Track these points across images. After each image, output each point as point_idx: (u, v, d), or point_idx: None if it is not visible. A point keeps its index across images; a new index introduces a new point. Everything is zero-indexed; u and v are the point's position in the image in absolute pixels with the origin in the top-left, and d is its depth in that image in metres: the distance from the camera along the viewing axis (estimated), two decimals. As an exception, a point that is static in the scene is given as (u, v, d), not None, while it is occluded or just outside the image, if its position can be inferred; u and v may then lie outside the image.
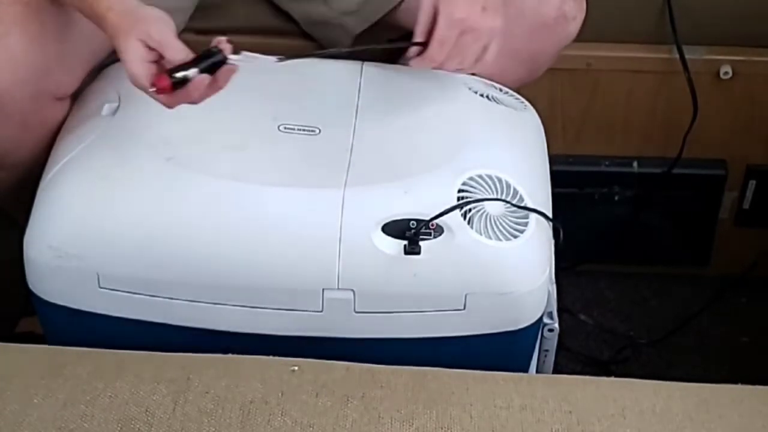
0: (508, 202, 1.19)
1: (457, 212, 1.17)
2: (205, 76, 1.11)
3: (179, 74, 1.10)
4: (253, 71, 1.18)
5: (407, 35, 1.52)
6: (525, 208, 1.19)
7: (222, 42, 1.13)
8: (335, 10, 1.48)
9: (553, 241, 1.25)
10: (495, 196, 1.20)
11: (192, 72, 1.10)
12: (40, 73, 1.24)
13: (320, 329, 1.19)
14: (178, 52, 1.11)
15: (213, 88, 1.13)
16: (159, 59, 1.12)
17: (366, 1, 1.46)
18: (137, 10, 1.13)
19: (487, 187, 1.20)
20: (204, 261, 1.17)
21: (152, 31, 1.11)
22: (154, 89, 1.10)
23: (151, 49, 1.11)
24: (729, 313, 1.76)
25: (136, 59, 1.10)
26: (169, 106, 1.14)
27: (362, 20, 1.48)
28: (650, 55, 1.64)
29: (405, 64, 1.50)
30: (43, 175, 1.24)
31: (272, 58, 1.17)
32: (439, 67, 1.24)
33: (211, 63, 1.11)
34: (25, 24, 1.21)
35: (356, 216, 1.17)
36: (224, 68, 1.12)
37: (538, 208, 1.21)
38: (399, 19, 1.49)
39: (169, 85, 1.10)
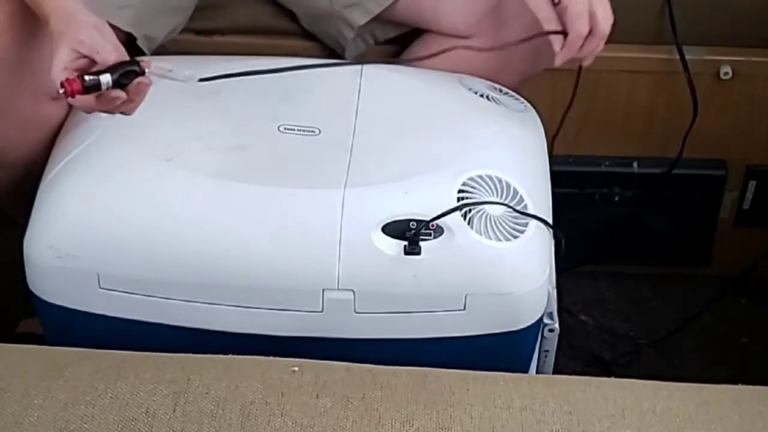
0: (508, 206, 1.19)
1: (457, 213, 1.17)
2: (117, 91, 1.11)
3: (89, 78, 1.09)
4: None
5: (410, 32, 1.53)
6: (526, 214, 1.19)
7: (145, 61, 1.13)
8: (337, 3, 1.48)
9: (553, 242, 1.25)
10: (495, 197, 1.20)
11: (105, 78, 1.10)
12: (34, 73, 1.24)
13: (320, 330, 1.19)
14: (110, 52, 1.11)
15: (125, 101, 1.12)
16: (90, 66, 1.11)
17: None
18: (73, 16, 1.13)
19: (487, 187, 1.20)
20: (204, 261, 1.17)
21: (83, 36, 1.11)
22: (63, 90, 1.09)
23: (83, 56, 1.11)
24: (729, 313, 1.76)
25: (59, 66, 1.10)
26: (85, 111, 1.13)
27: (365, 12, 1.47)
28: (650, 55, 1.64)
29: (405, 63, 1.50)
30: (44, 176, 1.24)
31: (189, 78, 1.17)
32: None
33: (126, 71, 1.11)
34: (16, 24, 1.21)
35: (356, 216, 1.17)
36: (136, 80, 1.11)
37: (539, 209, 1.21)
38: (399, 14, 1.49)
39: (80, 89, 1.09)
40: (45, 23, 1.14)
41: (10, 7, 1.21)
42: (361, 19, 1.48)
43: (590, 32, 1.25)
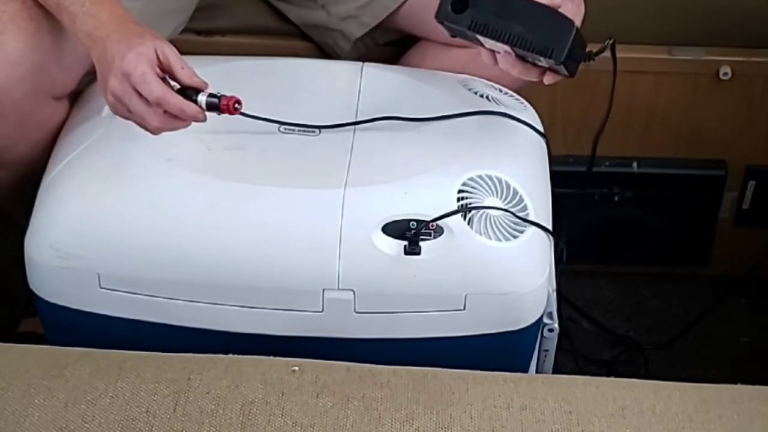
0: (509, 211, 1.19)
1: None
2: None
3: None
4: (252, 72, 1.18)
5: (406, 37, 1.53)
6: (525, 220, 1.19)
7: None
8: (334, 15, 1.48)
9: (552, 241, 1.25)
10: (495, 197, 1.20)
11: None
12: (36, 71, 1.24)
13: (321, 329, 1.20)
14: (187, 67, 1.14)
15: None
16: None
17: (365, 5, 1.47)
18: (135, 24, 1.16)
19: (487, 187, 1.20)
20: (204, 261, 1.17)
21: (165, 49, 1.13)
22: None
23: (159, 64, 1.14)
24: (729, 313, 1.76)
25: (149, 65, 1.12)
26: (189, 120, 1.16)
27: (362, 25, 1.48)
28: (650, 55, 1.64)
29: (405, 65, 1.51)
30: (44, 176, 1.24)
31: None
32: None
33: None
34: (21, 22, 1.21)
35: (356, 216, 1.17)
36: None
37: (539, 210, 1.21)
38: (398, 22, 1.49)
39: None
40: (70, 20, 1.15)
41: (13, 5, 1.21)
42: (357, 32, 1.49)
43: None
